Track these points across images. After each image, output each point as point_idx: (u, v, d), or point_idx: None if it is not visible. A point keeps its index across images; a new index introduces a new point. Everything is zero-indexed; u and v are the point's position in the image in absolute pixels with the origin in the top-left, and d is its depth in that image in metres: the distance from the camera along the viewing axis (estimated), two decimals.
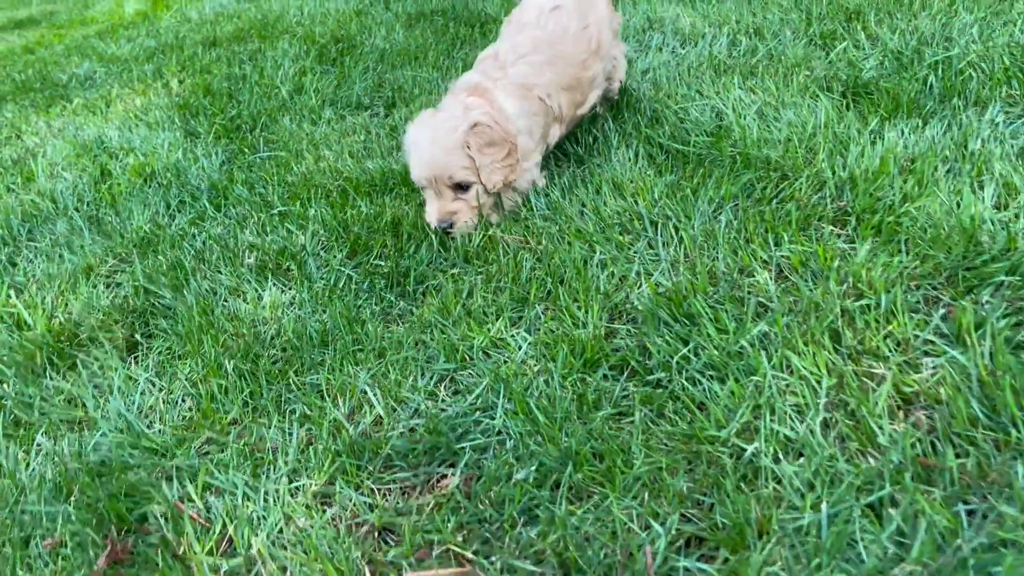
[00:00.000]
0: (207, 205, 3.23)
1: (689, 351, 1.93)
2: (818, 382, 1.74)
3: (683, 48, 3.83)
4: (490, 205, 2.68)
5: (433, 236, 2.69)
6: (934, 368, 1.75)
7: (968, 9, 3.39)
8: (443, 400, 2.06)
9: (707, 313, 2.01)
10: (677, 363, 1.92)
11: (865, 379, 1.75)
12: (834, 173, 2.46)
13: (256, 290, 2.61)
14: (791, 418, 1.70)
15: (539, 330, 2.20)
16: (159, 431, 2.15)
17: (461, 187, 2.59)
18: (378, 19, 5.54)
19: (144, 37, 6.61)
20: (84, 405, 2.27)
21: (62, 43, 7.17)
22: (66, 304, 2.75)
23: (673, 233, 2.41)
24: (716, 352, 1.88)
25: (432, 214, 2.62)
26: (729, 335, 1.94)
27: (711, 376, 1.87)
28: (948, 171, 2.36)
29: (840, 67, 3.19)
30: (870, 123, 2.66)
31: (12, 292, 2.84)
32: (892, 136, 2.57)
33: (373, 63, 4.57)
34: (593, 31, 2.88)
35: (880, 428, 1.63)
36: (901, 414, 1.68)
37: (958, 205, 2.18)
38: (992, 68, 2.83)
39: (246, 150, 3.76)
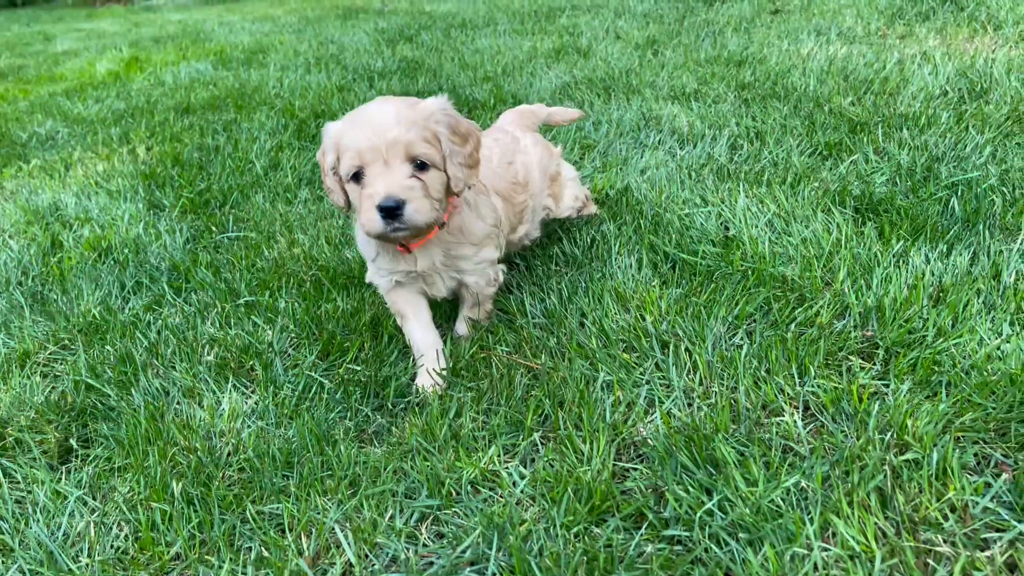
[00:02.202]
0: (166, 288, 2.95)
1: (714, 505, 1.68)
2: (871, 560, 1.50)
3: (681, 149, 3.69)
4: (433, 214, 2.10)
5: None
6: (1002, 546, 1.51)
7: (977, 129, 3.30)
8: (424, 544, 1.78)
9: (733, 460, 1.77)
10: (700, 518, 1.66)
11: (923, 556, 1.51)
12: (858, 298, 2.28)
13: (215, 393, 2.32)
14: None
15: (536, 463, 1.94)
16: (86, 566, 1.82)
17: (419, 166, 2.06)
18: (361, 96, 5.39)
19: (114, 99, 6.38)
20: None
21: (27, 99, 6.91)
22: None
23: (685, 356, 2.18)
24: (747, 510, 1.63)
25: (380, 187, 1.99)
26: (759, 487, 1.69)
27: (742, 539, 1.61)
28: (984, 303, 2.19)
29: (850, 180, 3.05)
30: (892, 246, 2.49)
31: None
32: (917, 261, 2.40)
33: None
34: (519, 169, 2.62)
35: None
36: None
37: (999, 349, 2.00)
38: (1014, 193, 2.70)
39: (214, 228, 3.50)
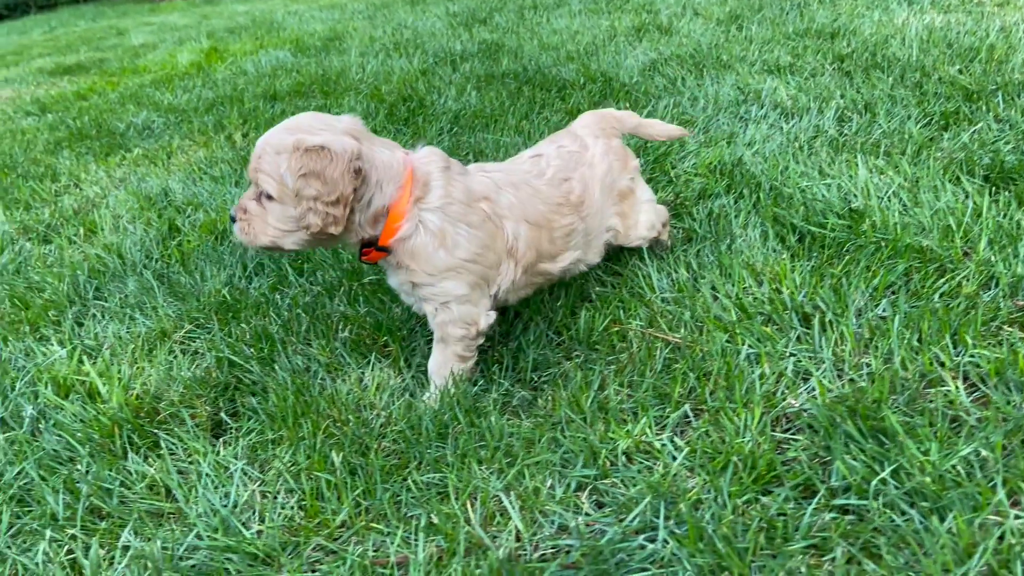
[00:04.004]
0: (289, 269, 3.01)
1: (887, 474, 1.67)
2: None
3: (786, 122, 3.64)
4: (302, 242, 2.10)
5: (538, 318, 2.48)
6: None
7: None
8: (586, 513, 1.80)
9: (903, 429, 1.75)
10: (874, 488, 1.65)
11: None
12: (1007, 267, 2.23)
13: (357, 369, 2.37)
14: None
15: (688, 434, 1.95)
16: (259, 533, 1.88)
17: (266, 194, 2.04)
18: (446, 79, 5.41)
19: (200, 88, 6.52)
20: (172, 495, 2.02)
21: (115, 91, 7.10)
22: (143, 373, 2.52)
23: (830, 328, 2.16)
24: (927, 478, 1.61)
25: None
26: (933, 456, 1.67)
27: (922, 507, 1.59)
28: None
29: (973, 150, 2.97)
30: None
31: (84, 358, 2.61)
32: None
33: (447, 124, 4.41)
34: (576, 185, 2.34)
35: None
36: None
37: None
38: None
39: None
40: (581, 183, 2.34)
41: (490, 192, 2.15)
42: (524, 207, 2.20)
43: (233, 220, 2.13)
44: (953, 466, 1.65)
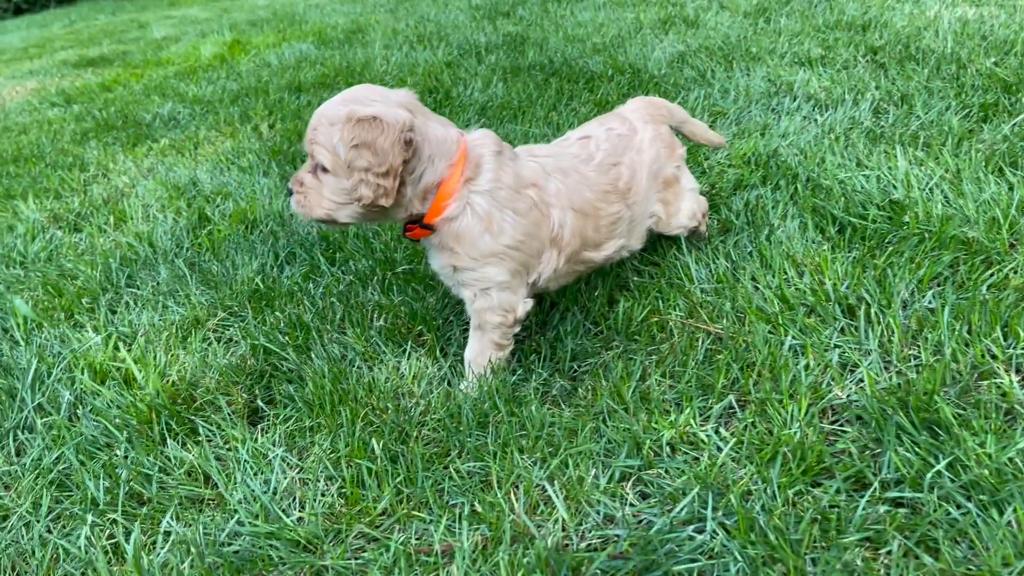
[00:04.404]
0: (321, 258, 3.00)
1: (942, 466, 1.63)
2: None
3: (820, 114, 3.59)
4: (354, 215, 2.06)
5: (575, 307, 2.45)
6: None
7: None
8: (631, 504, 1.78)
9: (957, 421, 1.72)
10: (929, 481, 1.62)
11: None
12: None
13: (393, 358, 2.36)
14: None
15: (733, 425, 1.92)
16: (300, 520, 1.87)
17: (321, 166, 2.01)
18: (471, 71, 5.39)
19: (225, 79, 6.53)
20: (211, 481, 2.01)
21: (140, 83, 7.12)
22: (177, 360, 2.51)
23: (876, 319, 2.13)
24: (984, 471, 1.58)
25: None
26: (989, 448, 1.64)
27: (980, 500, 1.56)
28: None
29: (1015, 142, 2.92)
30: None
31: (119, 344, 2.61)
32: None
33: (475, 116, 4.38)
34: (624, 171, 2.31)
35: None
36: None
37: None
38: None
39: None
40: (629, 169, 2.30)
41: (538, 178, 2.12)
42: (571, 194, 2.17)
43: (291, 193, 2.10)
44: (1010, 459, 1.62)
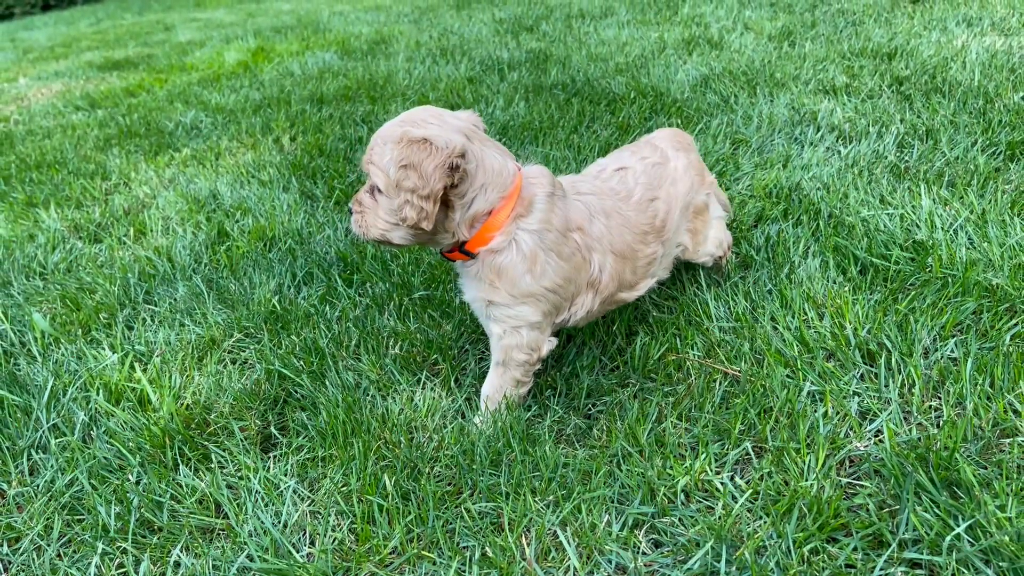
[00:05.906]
0: (338, 279, 3.00)
1: (962, 530, 1.61)
2: None
3: (844, 146, 3.56)
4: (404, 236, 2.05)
5: (592, 342, 2.44)
6: None
7: None
8: (643, 553, 1.76)
9: (978, 482, 1.69)
10: (948, 544, 1.59)
11: None
12: None
13: (407, 388, 2.35)
14: None
15: (749, 473, 1.90)
16: (309, 556, 1.87)
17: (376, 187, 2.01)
18: (493, 88, 5.39)
19: (248, 88, 6.56)
20: (222, 511, 2.01)
21: (163, 88, 7.17)
22: (192, 382, 2.52)
23: (897, 367, 2.10)
24: (1006, 538, 1.55)
25: None
26: (1010, 513, 1.61)
27: (999, 567, 1.53)
28: None
29: None
30: None
31: (135, 365, 2.61)
32: None
33: (496, 135, 4.38)
34: (661, 207, 2.29)
35: None
36: None
37: None
38: None
39: None
40: (666, 203, 2.29)
41: (583, 221, 2.11)
42: (613, 237, 2.16)
43: (351, 213, 2.10)
44: None
